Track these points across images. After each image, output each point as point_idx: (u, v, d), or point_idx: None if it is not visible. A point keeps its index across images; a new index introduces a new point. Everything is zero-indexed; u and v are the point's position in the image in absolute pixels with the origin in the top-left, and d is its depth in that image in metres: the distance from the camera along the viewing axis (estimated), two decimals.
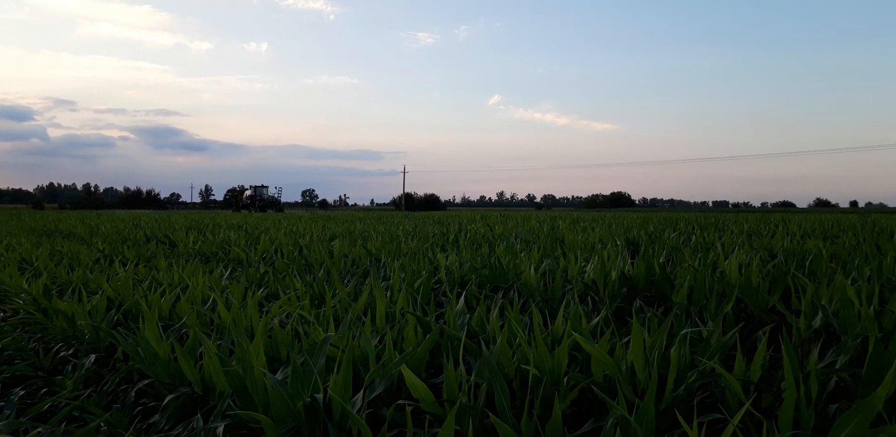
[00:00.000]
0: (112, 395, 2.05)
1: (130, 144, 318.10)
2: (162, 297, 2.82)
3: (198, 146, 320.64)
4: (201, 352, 1.86)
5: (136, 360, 2.03)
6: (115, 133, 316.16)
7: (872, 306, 2.20)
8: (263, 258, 5.22)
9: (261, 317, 2.30)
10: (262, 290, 3.10)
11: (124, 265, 4.46)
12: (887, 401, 1.54)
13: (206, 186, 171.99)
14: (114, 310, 2.80)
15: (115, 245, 6.41)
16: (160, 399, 1.87)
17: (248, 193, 62.18)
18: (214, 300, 2.68)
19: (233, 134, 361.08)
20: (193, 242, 6.64)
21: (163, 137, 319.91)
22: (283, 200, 61.89)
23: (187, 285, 3.17)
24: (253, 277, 3.68)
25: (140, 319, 2.17)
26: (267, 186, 60.92)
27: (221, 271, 3.99)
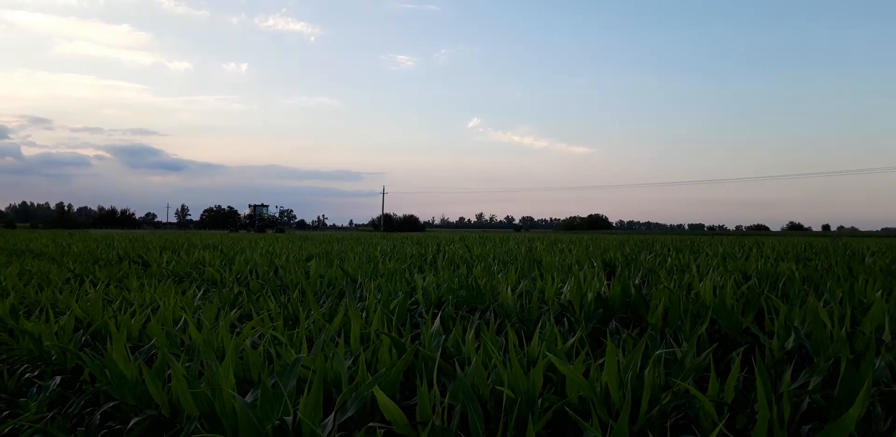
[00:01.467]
0: (77, 418, 2.00)
1: (106, 163, 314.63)
2: (132, 317, 2.77)
3: (175, 166, 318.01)
4: (170, 374, 1.82)
5: (102, 382, 1.98)
6: (91, 152, 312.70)
7: (844, 328, 2.23)
8: (238, 279, 5.15)
9: (232, 338, 2.26)
10: (235, 310, 3.06)
11: (95, 285, 4.38)
12: (859, 422, 1.55)
13: (183, 206, 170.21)
14: (82, 331, 2.73)
15: (86, 265, 6.29)
16: (126, 422, 1.82)
17: (246, 212, 59.42)
18: (185, 321, 2.63)
19: (211, 154, 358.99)
20: (167, 262, 6.55)
21: (139, 157, 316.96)
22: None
23: (158, 306, 3.11)
24: (226, 297, 3.63)
25: (108, 340, 2.12)
26: (267, 206, 58.27)
27: (194, 291, 3.93)
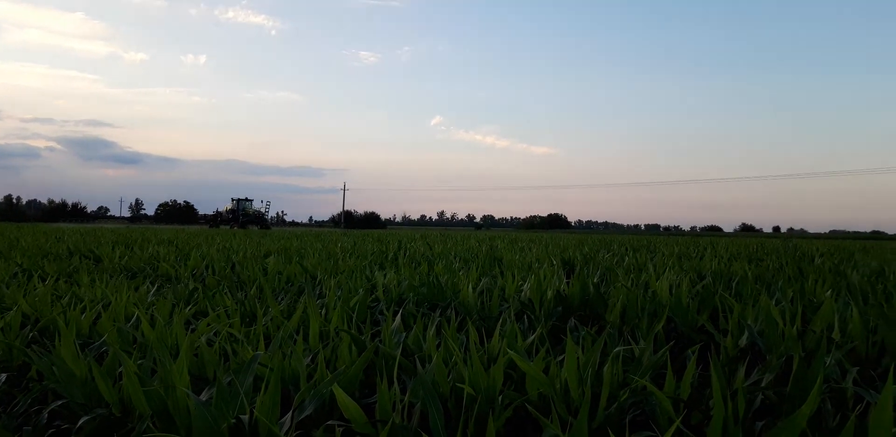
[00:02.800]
0: (23, 417, 1.92)
1: (57, 155, 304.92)
2: (82, 313, 2.68)
3: (129, 159, 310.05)
4: (121, 371, 1.77)
5: (50, 379, 1.91)
6: (42, 143, 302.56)
7: (796, 326, 2.28)
8: (194, 275, 5.05)
9: (187, 335, 2.21)
10: (190, 307, 2.99)
11: (44, 280, 4.24)
12: (811, 419, 1.59)
13: (137, 200, 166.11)
14: (29, 327, 2.64)
15: (34, 259, 6.09)
16: (75, 421, 1.76)
17: (228, 206, 53.77)
18: (138, 318, 2.56)
19: (167, 147, 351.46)
20: (120, 257, 6.38)
21: (92, 149, 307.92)
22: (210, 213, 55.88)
23: (110, 302, 3.02)
24: (181, 293, 3.55)
25: (57, 336, 2.05)
26: (251, 200, 53.58)
27: (148, 287, 3.83)
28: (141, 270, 5.44)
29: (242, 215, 51.41)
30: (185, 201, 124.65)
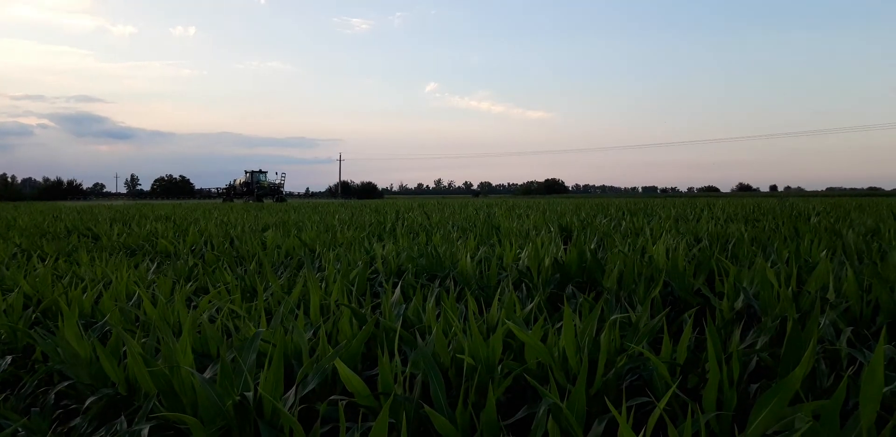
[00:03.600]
0: (31, 398, 1.95)
1: (50, 132, 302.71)
2: (83, 293, 2.70)
3: (122, 134, 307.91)
4: (125, 351, 1.79)
5: (55, 360, 1.94)
6: (34, 121, 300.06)
7: (791, 288, 2.31)
8: (192, 251, 5.06)
9: (189, 312, 2.23)
10: (190, 284, 3.01)
11: (43, 260, 4.25)
12: (805, 380, 1.62)
13: (133, 176, 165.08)
14: (31, 308, 2.66)
15: (33, 239, 6.09)
16: (82, 401, 1.79)
17: (242, 179, 51.69)
18: (140, 296, 2.58)
19: (160, 121, 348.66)
20: (118, 234, 6.39)
21: (84, 125, 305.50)
22: (213, 188, 55.40)
23: (111, 281, 3.04)
24: (181, 270, 3.57)
25: (59, 317, 2.07)
26: (265, 172, 51.55)
27: (148, 264, 3.85)
28: (140, 247, 5.45)
29: (258, 188, 49.59)
30: (180, 176, 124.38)
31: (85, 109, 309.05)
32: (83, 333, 2.00)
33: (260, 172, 51.14)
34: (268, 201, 38.64)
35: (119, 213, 12.64)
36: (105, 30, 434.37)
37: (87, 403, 1.69)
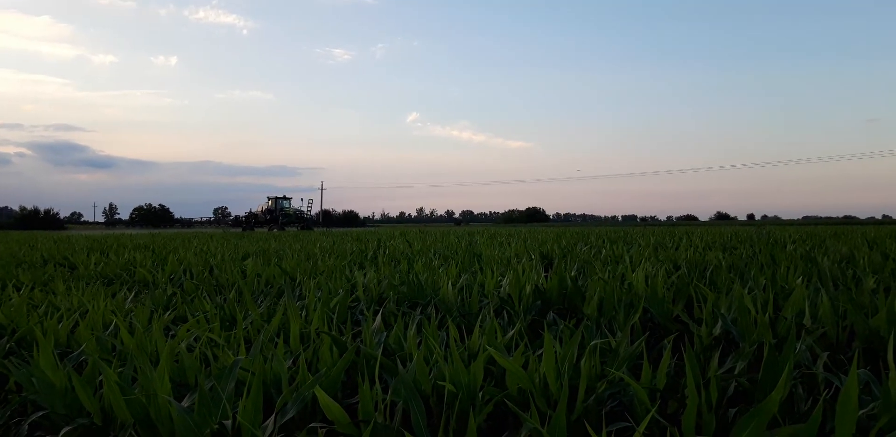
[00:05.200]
0: (3, 429, 1.91)
1: (28, 160, 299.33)
2: (59, 322, 2.66)
3: (102, 163, 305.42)
4: (101, 380, 1.76)
5: (29, 390, 1.90)
6: (11, 149, 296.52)
7: (768, 314, 2.34)
8: (171, 279, 5.01)
9: (167, 341, 2.21)
10: (169, 313, 2.98)
11: (18, 290, 4.18)
12: (782, 404, 1.64)
13: (111, 205, 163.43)
14: (6, 337, 2.61)
15: (8, 268, 5.99)
16: (56, 432, 1.75)
17: (263, 206, 47.91)
18: (117, 325, 2.55)
19: (141, 150, 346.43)
20: (95, 263, 6.30)
21: (63, 154, 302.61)
22: (192, 217, 54.42)
23: (87, 310, 3.00)
24: (159, 299, 3.53)
25: (35, 346, 2.03)
26: (290, 198, 48.02)
27: (125, 293, 3.80)
28: (117, 276, 5.38)
29: (282, 216, 46.24)
30: (160, 204, 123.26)
31: (64, 138, 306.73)
32: (58, 362, 1.97)
33: (284, 197, 47.83)
34: (291, 230, 36.18)
35: (96, 242, 12.48)
36: (85, 59, 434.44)
37: (62, 433, 1.66)
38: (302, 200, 48.24)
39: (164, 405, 1.52)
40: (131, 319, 2.80)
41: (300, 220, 46.44)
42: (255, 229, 38.65)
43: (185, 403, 1.62)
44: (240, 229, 39.10)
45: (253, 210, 49.58)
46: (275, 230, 35.12)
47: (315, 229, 35.47)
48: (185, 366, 1.90)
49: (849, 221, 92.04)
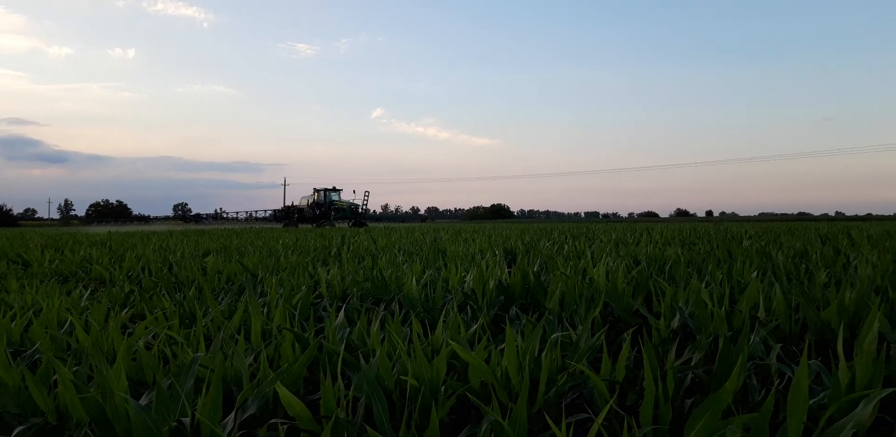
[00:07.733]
0: None
1: None
2: (12, 321, 2.59)
3: (57, 158, 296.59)
4: (56, 379, 1.72)
5: None
6: None
7: (724, 307, 2.39)
8: (129, 277, 4.91)
9: (124, 339, 2.16)
10: (126, 310, 2.92)
11: None
12: (736, 394, 1.68)
13: (66, 201, 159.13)
14: None
15: None
16: (9, 432, 1.71)
17: (309, 199, 41.16)
18: (72, 323, 2.49)
19: (97, 145, 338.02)
20: (50, 260, 6.14)
21: (16, 148, 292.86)
22: (150, 214, 49.94)
23: (41, 308, 2.92)
24: (116, 296, 3.46)
25: None
26: (340, 189, 41.17)
27: (81, 291, 3.71)
28: (73, 273, 5.26)
29: (334, 210, 40.09)
30: (117, 200, 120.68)
31: (17, 132, 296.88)
32: (11, 361, 1.92)
33: (333, 189, 41.02)
34: (341, 225, 32.92)
35: (51, 239, 12.15)
36: (40, 51, 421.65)
37: (15, 433, 1.62)
38: (354, 191, 41.22)
39: (120, 403, 1.49)
40: (87, 317, 2.74)
41: (353, 214, 40.32)
42: (299, 226, 35.90)
43: (143, 401, 1.60)
44: (279, 225, 35.92)
45: (296, 203, 43.39)
46: (326, 226, 32.39)
47: (368, 225, 32.89)
48: (142, 364, 1.87)
49: (803, 217, 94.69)
